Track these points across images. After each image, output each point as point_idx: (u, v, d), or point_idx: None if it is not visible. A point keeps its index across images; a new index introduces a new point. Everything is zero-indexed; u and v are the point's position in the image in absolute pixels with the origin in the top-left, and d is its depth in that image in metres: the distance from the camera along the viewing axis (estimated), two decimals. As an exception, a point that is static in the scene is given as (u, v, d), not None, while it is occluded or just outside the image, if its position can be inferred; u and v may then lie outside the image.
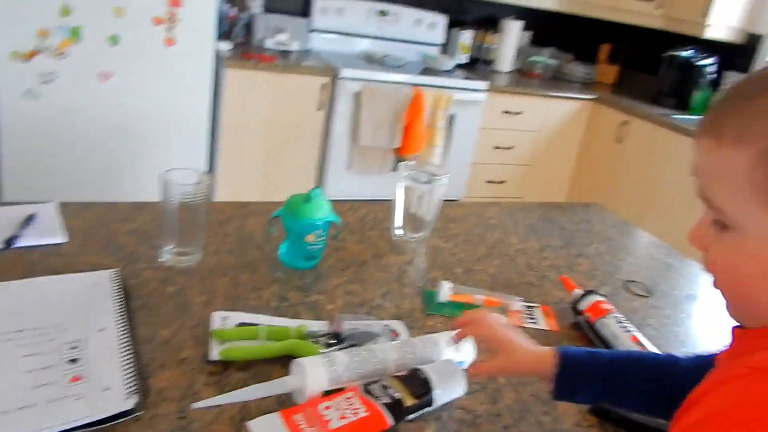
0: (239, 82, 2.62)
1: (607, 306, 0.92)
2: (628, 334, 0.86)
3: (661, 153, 2.82)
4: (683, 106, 3.02)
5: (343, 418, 0.65)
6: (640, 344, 0.85)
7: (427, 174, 1.12)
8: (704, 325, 1.05)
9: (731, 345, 0.52)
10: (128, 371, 0.68)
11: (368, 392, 0.68)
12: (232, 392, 0.67)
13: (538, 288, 1.06)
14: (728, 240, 0.47)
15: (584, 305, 0.94)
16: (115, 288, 0.84)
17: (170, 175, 0.91)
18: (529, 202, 1.49)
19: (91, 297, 0.80)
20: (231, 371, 0.73)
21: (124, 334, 0.74)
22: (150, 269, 0.93)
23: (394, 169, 3.02)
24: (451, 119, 3.01)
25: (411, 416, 0.69)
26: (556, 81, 3.48)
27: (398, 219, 1.13)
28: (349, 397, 0.67)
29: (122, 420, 0.62)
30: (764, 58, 2.92)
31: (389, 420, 0.66)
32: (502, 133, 3.16)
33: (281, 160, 2.85)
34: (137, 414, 0.64)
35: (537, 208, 1.46)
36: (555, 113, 3.19)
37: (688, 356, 0.69)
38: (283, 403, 0.69)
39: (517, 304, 0.97)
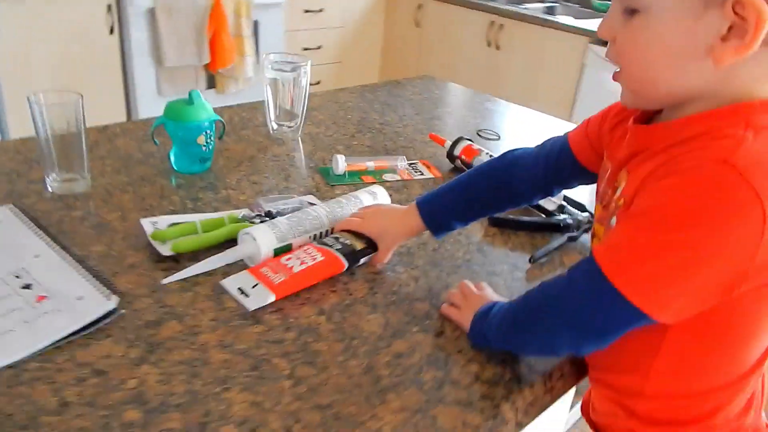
0: (5, 17, 2.30)
1: (476, 147, 1.09)
2: (499, 164, 1.04)
3: (457, 29, 3.08)
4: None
5: (303, 263, 0.73)
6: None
7: (289, 63, 1.16)
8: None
9: (653, 138, 0.57)
10: (91, 279, 0.68)
11: (322, 243, 0.77)
12: (197, 264, 0.73)
13: (412, 149, 1.20)
14: (637, 23, 0.53)
15: (458, 151, 1.09)
16: (23, 219, 0.80)
17: (38, 98, 0.86)
18: (371, 84, 1.59)
19: (2, 232, 0.76)
20: (184, 263, 0.76)
21: (64, 253, 0.73)
22: (42, 201, 0.88)
23: (209, 86, 2.92)
24: (255, 26, 2.95)
25: (362, 260, 0.79)
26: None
27: (272, 112, 1.17)
28: (306, 249, 0.76)
29: (108, 321, 0.64)
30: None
31: (344, 263, 0.76)
32: (308, 34, 3.19)
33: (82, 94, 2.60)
34: (121, 312, 0.66)
35: (381, 86, 1.57)
36: (353, 6, 3.27)
37: (532, 148, 0.80)
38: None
39: (402, 162, 1.10)
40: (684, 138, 0.54)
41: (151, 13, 2.64)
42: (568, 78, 2.70)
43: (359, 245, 0.78)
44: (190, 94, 0.97)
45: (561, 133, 0.78)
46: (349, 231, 0.80)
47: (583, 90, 2.66)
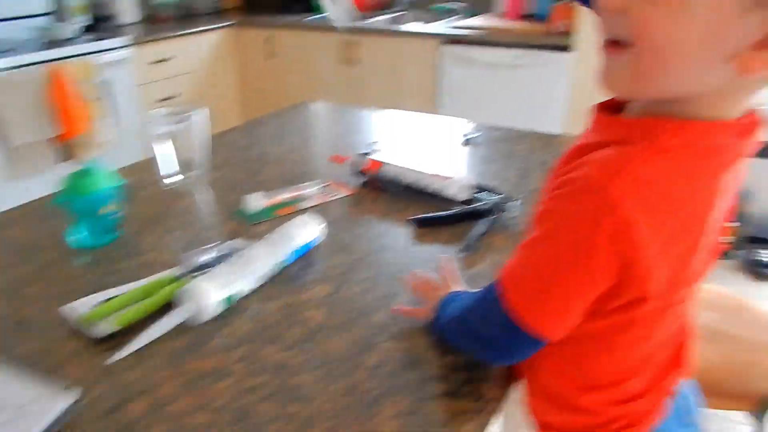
0: None
1: (379, 159, 1.13)
2: (407, 170, 1.08)
3: (311, 54, 3.13)
4: (310, 8, 3.34)
5: None
6: (418, 172, 1.07)
7: (176, 115, 1.13)
8: (438, 150, 1.34)
9: (598, 129, 0.56)
10: (34, 380, 0.63)
11: None
12: (142, 334, 0.70)
13: (318, 173, 1.21)
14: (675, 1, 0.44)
15: (364, 166, 1.12)
16: None
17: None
18: (247, 122, 1.59)
19: None
20: (127, 337, 0.72)
21: (-6, 361, 0.66)
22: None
23: (64, 159, 2.74)
24: (104, 87, 2.82)
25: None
26: (188, 18, 3.46)
27: (166, 167, 1.14)
28: None
29: (68, 418, 0.60)
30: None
31: None
32: (162, 84, 3.08)
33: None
34: (81, 404, 0.61)
35: (265, 120, 1.57)
36: (201, 49, 3.22)
37: None
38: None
39: (315, 188, 1.11)
40: (606, 140, 0.52)
41: (-14, 93, 2.44)
42: (427, 79, 2.84)
43: None
44: (85, 166, 0.92)
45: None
46: None
47: (444, 87, 2.81)
